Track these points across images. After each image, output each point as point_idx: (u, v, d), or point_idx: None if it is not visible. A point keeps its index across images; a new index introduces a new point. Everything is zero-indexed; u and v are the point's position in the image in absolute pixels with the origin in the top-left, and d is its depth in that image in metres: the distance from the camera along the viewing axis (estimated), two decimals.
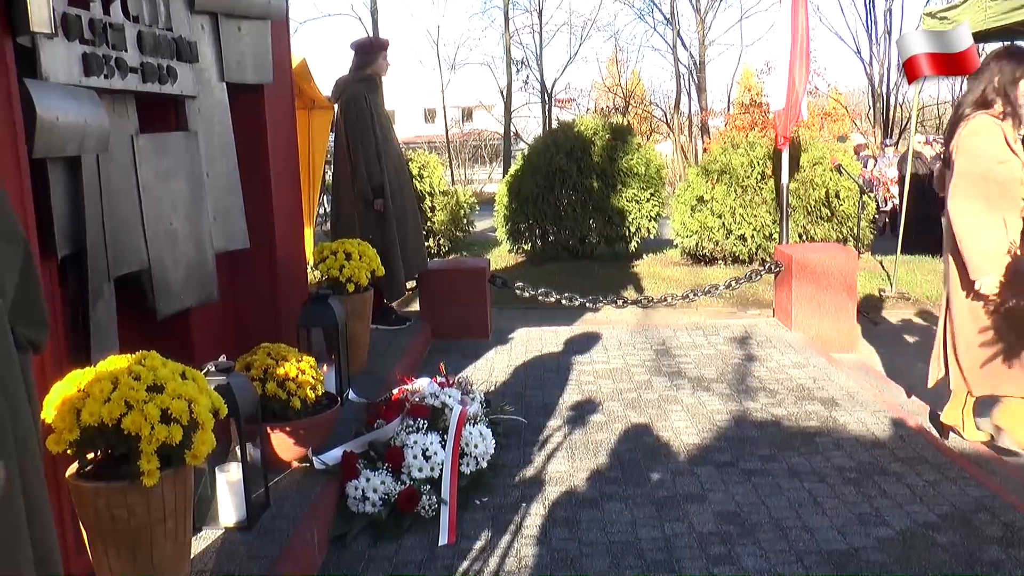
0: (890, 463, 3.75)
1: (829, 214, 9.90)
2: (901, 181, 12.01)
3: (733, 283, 6.95)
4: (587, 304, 6.67)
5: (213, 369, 2.72)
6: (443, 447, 3.45)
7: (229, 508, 2.77)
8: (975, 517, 3.21)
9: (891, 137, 22.91)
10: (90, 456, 2.13)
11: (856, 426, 4.22)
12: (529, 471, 3.77)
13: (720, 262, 10.26)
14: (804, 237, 9.87)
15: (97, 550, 2.11)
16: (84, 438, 2.04)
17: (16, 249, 1.42)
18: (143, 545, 2.10)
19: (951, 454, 3.86)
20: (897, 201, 13.07)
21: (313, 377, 3.30)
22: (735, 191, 9.97)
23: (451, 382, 4.08)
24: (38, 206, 2.39)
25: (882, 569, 2.85)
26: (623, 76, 33.16)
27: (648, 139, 26.45)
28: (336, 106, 5.97)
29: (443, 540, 3.12)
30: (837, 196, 9.85)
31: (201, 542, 2.66)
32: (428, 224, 11.09)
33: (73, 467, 2.15)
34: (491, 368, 5.53)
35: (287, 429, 3.17)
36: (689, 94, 29.63)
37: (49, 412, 2.01)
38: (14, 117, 2.23)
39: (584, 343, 6.13)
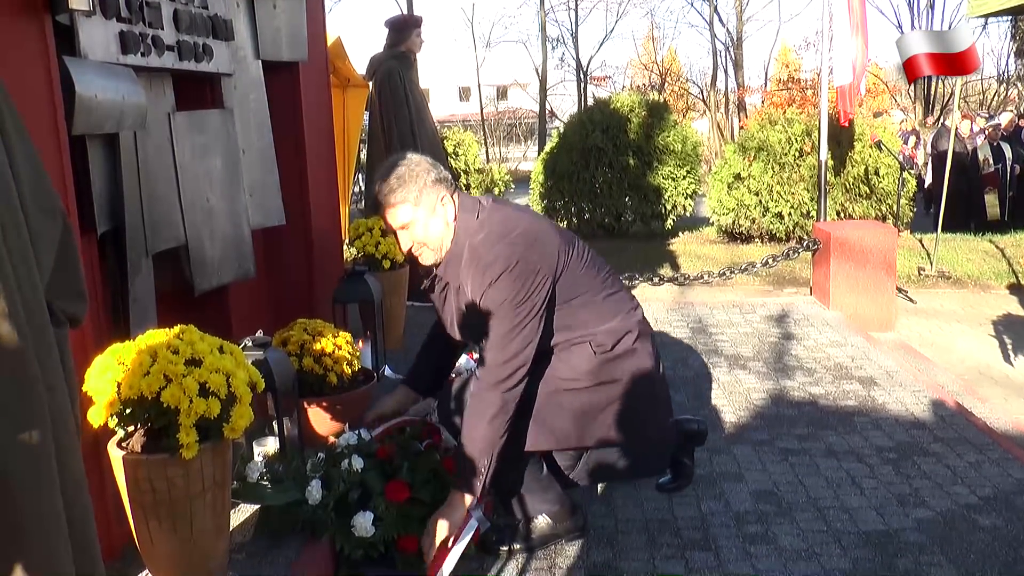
0: (930, 443, 3.70)
1: (868, 191, 9.74)
2: (937, 158, 11.76)
3: (770, 261, 6.88)
4: (623, 282, 6.62)
5: (250, 344, 2.74)
6: None
7: None
8: (1019, 499, 3.16)
9: (932, 113, 22.49)
10: (130, 429, 2.16)
11: (895, 406, 4.16)
12: None
13: (757, 240, 10.15)
14: (842, 215, 9.72)
15: (138, 521, 2.15)
16: (124, 411, 2.07)
17: (55, 223, 1.42)
18: (183, 517, 2.13)
19: (994, 435, 3.79)
20: (927, 179, 12.76)
21: (349, 353, 3.32)
22: (772, 168, 9.83)
23: None
24: (78, 183, 2.41)
25: (922, 551, 2.81)
26: (659, 53, 32.77)
27: (684, 116, 26.13)
28: (370, 84, 5.96)
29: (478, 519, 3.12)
30: (876, 173, 9.68)
31: (239, 515, 2.69)
32: None
33: (115, 439, 2.19)
34: None
35: (324, 404, 3.19)
36: (726, 71, 29.24)
37: (90, 385, 2.04)
38: (54, 95, 2.25)
39: None
